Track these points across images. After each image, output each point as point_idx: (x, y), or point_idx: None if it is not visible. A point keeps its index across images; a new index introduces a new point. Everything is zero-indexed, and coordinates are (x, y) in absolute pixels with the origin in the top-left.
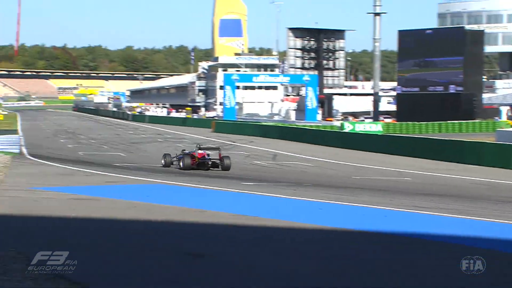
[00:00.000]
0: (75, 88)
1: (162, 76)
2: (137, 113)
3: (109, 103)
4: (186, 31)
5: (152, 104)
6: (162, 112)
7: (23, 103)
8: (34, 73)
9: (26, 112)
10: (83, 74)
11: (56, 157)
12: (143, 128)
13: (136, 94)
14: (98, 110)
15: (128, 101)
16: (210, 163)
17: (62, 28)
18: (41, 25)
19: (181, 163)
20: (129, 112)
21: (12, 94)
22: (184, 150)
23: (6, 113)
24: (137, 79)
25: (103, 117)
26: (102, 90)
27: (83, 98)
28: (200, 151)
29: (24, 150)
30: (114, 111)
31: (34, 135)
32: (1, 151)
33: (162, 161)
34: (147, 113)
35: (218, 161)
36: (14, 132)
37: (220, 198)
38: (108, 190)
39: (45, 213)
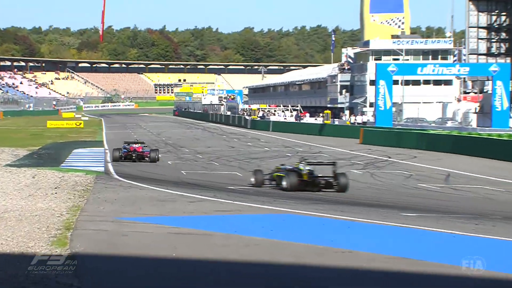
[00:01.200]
0: (176, 85)
1: (291, 67)
2: (258, 118)
3: (221, 104)
4: (325, 6)
5: (278, 106)
6: (291, 116)
7: (109, 106)
8: (124, 66)
9: (114, 117)
10: (188, 67)
11: (152, 178)
12: (265, 139)
13: (257, 93)
14: (206, 115)
15: (246, 102)
16: (134, 156)
17: (159, 5)
18: (133, 2)
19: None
20: (247, 117)
21: (96, 94)
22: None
23: (87, 118)
24: (259, 73)
25: (213, 124)
26: (213, 88)
27: (187, 98)
28: (135, 145)
29: (111, 168)
30: (227, 115)
31: None
32: (81, 170)
33: (114, 155)
34: (271, 118)
35: (145, 155)
36: (98, 144)
37: (371, 233)
38: (220, 221)
39: (137, 253)
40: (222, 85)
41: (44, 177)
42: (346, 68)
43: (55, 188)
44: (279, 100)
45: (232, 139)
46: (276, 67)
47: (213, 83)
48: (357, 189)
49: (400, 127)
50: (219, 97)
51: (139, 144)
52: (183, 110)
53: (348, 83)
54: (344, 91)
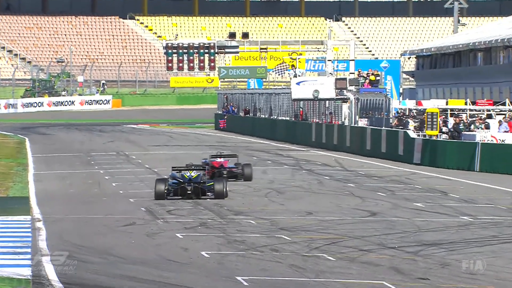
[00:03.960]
0: (224, 48)
1: None
2: (443, 135)
3: (344, 100)
4: None
5: (499, 104)
6: None
7: (46, 104)
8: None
9: (58, 134)
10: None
11: None
12: (462, 192)
13: (438, 67)
14: (304, 126)
15: (410, 94)
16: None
17: None
18: None
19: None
20: (413, 134)
21: (9, 72)
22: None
23: None
24: (446, 14)
25: (321, 151)
26: (320, 56)
27: (251, 82)
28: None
29: (50, 268)
30: (359, 128)
31: (84, 219)
32: None
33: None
34: (478, 134)
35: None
36: (15, 205)
37: None
38: None
39: None
40: (344, 50)
41: None
42: None
43: None
44: (501, 86)
45: (373, 191)
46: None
47: (321, 43)
48: None
49: None
50: (337, 79)
51: (225, 158)
52: (239, 114)
53: None
54: None
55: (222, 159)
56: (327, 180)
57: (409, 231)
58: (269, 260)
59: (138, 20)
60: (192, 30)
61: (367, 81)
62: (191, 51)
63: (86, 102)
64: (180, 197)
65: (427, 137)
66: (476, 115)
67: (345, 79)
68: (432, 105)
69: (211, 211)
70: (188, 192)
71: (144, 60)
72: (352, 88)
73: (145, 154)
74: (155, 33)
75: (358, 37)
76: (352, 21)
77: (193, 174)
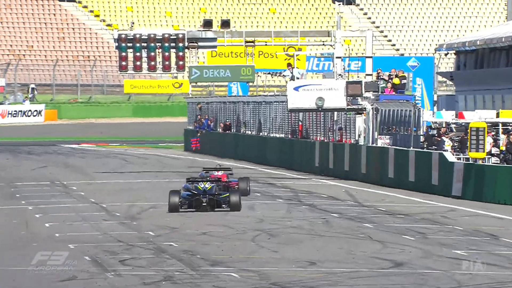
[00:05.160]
0: (197, 40)
1: None
2: (492, 159)
3: (359, 111)
4: None
5: None
6: None
7: None
8: None
9: None
10: None
11: None
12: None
13: (486, 66)
14: (304, 145)
15: (448, 102)
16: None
17: None
18: None
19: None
20: (450, 157)
21: None
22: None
23: None
24: None
25: (329, 180)
26: (326, 51)
27: (233, 88)
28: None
29: None
30: (379, 149)
31: (7, 272)
32: None
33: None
34: None
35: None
36: None
37: None
38: None
39: None
40: (358, 43)
41: None
42: None
43: None
44: None
45: (398, 234)
46: None
47: (328, 34)
48: None
49: None
50: (349, 83)
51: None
52: (217, 130)
53: None
54: None
55: (219, 173)
56: (336, 219)
57: (447, 287)
58: None
59: (80, 3)
60: (153, 17)
61: (390, 85)
62: (152, 45)
63: (9, 113)
64: (194, 210)
65: (470, 161)
66: None
67: (359, 82)
68: (477, 117)
69: (180, 260)
70: (203, 204)
71: (89, 56)
72: (369, 95)
73: (89, 184)
74: (104, 20)
75: (378, 26)
76: (369, 4)
77: (208, 185)
